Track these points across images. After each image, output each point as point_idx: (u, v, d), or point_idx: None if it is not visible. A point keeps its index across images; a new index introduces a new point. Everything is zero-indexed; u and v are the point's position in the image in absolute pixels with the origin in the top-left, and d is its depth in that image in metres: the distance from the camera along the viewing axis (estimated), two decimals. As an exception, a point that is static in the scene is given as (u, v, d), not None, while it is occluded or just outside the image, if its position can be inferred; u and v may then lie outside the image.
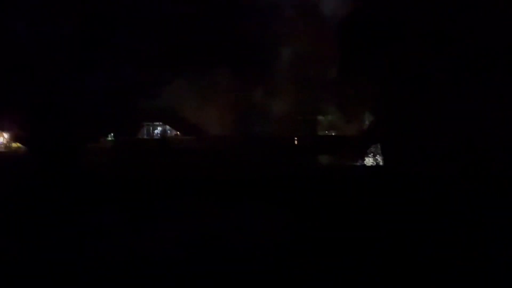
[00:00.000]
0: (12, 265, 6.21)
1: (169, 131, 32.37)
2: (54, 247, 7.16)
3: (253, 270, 5.76)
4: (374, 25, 14.07)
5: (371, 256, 6.45)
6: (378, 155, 17.78)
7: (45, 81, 11.33)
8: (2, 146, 29.64)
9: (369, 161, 17.87)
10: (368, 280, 5.69)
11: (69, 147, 12.21)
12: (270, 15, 14.94)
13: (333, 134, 19.20)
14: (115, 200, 10.70)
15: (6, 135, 28.92)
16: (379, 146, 17.68)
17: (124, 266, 5.96)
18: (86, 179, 12.03)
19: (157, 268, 5.80)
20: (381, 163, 17.44)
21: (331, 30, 16.89)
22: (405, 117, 15.57)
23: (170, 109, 18.65)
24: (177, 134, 31.24)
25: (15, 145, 26.21)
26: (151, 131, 32.19)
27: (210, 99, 17.83)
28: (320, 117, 18.99)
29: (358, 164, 17.68)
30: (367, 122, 18.20)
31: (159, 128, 33.11)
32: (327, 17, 17.04)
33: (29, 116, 11.72)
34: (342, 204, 9.92)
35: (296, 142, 18.39)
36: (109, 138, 21.28)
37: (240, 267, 5.90)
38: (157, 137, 29.95)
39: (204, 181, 12.94)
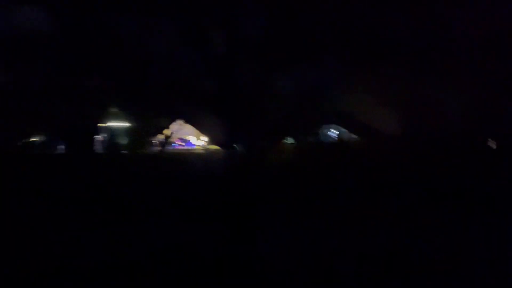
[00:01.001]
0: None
1: (344, 133, 32.03)
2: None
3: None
4: None
5: None
6: None
7: (238, 86, 12.04)
8: (203, 147, 34.19)
9: None
10: None
11: (258, 148, 12.74)
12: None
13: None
14: (297, 198, 10.74)
15: (205, 138, 33.24)
16: None
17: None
18: (273, 178, 12.44)
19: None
20: None
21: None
22: None
23: (346, 111, 18.12)
24: (352, 136, 30.61)
25: (212, 147, 29.77)
26: (325, 133, 32.42)
27: (389, 99, 16.59)
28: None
29: None
30: None
31: (334, 131, 33.07)
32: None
33: (223, 121, 12.64)
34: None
35: (492, 143, 15.69)
36: (288, 140, 22.19)
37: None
38: (333, 140, 29.95)
39: (383, 184, 12.00)
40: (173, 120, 26.27)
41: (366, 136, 21.67)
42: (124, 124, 24.52)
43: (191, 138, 34.62)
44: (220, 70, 12.24)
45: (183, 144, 33.30)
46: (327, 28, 10.96)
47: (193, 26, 11.73)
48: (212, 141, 16.69)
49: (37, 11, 14.08)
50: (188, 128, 30.42)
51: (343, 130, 30.43)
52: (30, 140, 21.34)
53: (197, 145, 34.04)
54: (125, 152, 24.06)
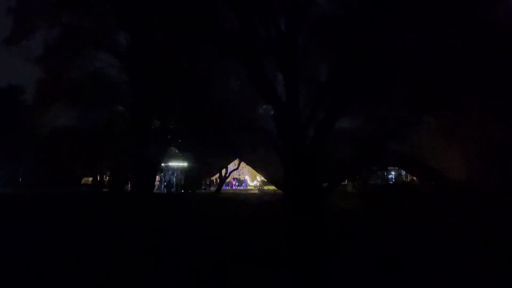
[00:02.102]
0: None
1: (403, 176, 30.37)
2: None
3: None
4: None
5: None
6: None
7: (301, 129, 11.52)
8: (256, 188, 33.70)
9: None
10: None
11: (318, 190, 11.93)
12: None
13: None
14: (360, 242, 9.79)
15: (260, 178, 32.87)
16: None
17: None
18: (332, 221, 11.58)
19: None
20: None
21: None
22: None
23: (408, 153, 16.98)
24: (413, 180, 28.92)
25: (267, 187, 29.26)
26: (384, 176, 30.89)
27: (457, 140, 15.29)
28: None
29: None
30: None
31: (393, 173, 31.47)
32: None
33: (285, 159, 12.01)
34: None
35: None
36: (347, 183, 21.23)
37: None
38: (393, 182, 28.40)
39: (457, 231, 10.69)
40: (230, 160, 26.27)
41: (430, 180, 20.27)
42: (183, 164, 24.90)
43: (246, 179, 34.50)
44: (283, 113, 11.81)
45: (239, 184, 33.19)
46: (396, 70, 10.30)
47: (256, 70, 11.54)
48: (271, 182, 16.09)
49: (107, 57, 14.80)
50: (244, 168, 30.34)
51: (403, 172, 28.93)
52: (97, 178, 22.21)
53: (250, 186, 33.73)
54: (183, 191, 24.21)
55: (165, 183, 24.40)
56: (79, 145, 15.92)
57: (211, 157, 19.37)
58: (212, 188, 27.94)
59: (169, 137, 16.86)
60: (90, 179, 23.97)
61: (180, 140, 16.88)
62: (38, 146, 16.22)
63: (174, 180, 24.57)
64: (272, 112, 11.77)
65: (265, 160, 14.79)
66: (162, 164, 22.90)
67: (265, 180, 25.20)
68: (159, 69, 12.56)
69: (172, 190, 24.00)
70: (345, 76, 10.70)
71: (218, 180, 28.15)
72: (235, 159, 23.14)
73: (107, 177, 21.34)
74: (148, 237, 9.47)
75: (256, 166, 18.80)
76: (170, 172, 24.46)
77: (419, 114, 11.26)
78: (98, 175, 20.97)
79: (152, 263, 7.67)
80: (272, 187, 23.81)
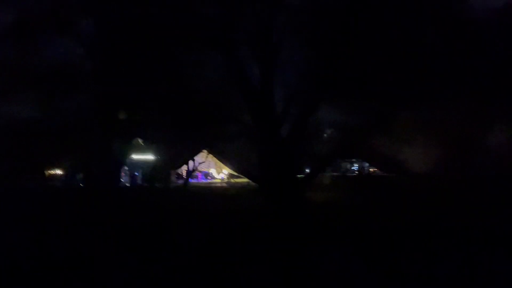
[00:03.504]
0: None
1: (365, 167, 30.80)
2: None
3: None
4: None
5: None
6: None
7: (275, 119, 11.12)
8: (224, 181, 32.90)
9: None
10: None
11: (293, 181, 11.65)
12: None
13: None
14: (342, 236, 9.50)
15: (227, 170, 32.07)
16: None
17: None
18: (308, 213, 11.26)
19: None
20: None
21: None
22: None
23: (369, 144, 17.04)
24: (374, 171, 29.39)
25: (235, 179, 28.62)
26: (347, 167, 31.25)
27: (419, 133, 15.48)
28: None
29: None
30: None
31: (356, 165, 31.87)
32: None
33: (261, 150, 11.61)
34: None
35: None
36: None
37: None
38: (356, 173, 28.76)
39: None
40: (197, 151, 25.36)
41: (391, 172, 20.63)
42: (150, 157, 23.81)
43: (212, 172, 33.63)
44: (257, 103, 11.35)
45: (207, 178, 32.29)
46: (368, 66, 10.12)
47: (233, 59, 10.94)
48: (243, 174, 15.47)
49: (73, 46, 13.57)
50: (210, 161, 29.47)
51: (365, 164, 29.28)
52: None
53: (217, 179, 32.91)
54: (149, 184, 23.16)
55: (131, 177, 23.22)
56: (38, 137, 14.62)
57: (181, 149, 18.49)
58: (180, 181, 26.93)
59: (135, 128, 15.82)
60: (51, 172, 22.37)
61: (148, 132, 15.91)
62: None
63: (140, 173, 23.42)
64: (248, 103, 11.24)
65: (236, 152, 14.18)
66: (127, 158, 21.73)
67: (233, 173, 24.53)
68: (127, 58, 11.56)
69: (138, 183, 22.88)
70: (321, 67, 10.39)
71: (185, 173, 27.16)
72: (202, 150, 22.29)
73: (71, 171, 19.93)
74: (125, 236, 8.68)
75: (225, 158, 18.14)
76: (136, 166, 23.27)
77: (395, 108, 11.15)
78: (62, 169, 19.55)
79: (135, 261, 7.03)
80: (241, 180, 23.21)
